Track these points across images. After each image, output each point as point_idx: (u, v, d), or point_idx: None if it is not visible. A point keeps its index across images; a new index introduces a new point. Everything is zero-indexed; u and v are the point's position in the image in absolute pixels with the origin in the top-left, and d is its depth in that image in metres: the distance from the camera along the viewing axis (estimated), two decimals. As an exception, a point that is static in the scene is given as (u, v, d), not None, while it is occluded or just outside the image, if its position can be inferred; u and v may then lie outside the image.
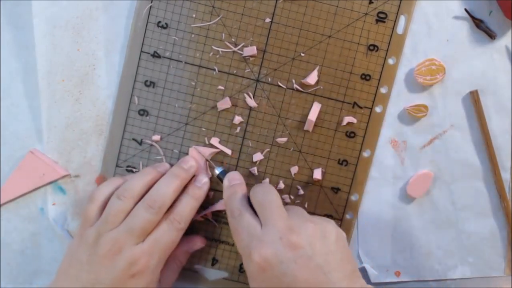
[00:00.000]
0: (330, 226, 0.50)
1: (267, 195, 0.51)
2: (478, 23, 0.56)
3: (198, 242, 0.57)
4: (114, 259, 0.49)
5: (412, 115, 0.57)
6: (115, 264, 0.49)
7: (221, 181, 0.55)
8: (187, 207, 0.53)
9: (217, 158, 0.58)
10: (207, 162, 0.57)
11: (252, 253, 0.47)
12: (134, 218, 0.50)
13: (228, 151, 0.57)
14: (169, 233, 0.52)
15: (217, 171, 0.56)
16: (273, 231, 0.47)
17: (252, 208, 0.51)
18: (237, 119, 0.57)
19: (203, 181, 0.55)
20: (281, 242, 0.47)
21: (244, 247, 0.49)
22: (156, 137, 0.57)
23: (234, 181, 0.54)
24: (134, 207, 0.51)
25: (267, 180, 0.58)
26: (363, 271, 0.60)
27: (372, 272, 0.60)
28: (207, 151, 0.57)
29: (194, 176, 0.56)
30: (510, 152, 0.58)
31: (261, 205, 0.50)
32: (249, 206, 0.51)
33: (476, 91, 0.57)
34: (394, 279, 0.60)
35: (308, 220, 0.50)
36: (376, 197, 0.59)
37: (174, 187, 0.53)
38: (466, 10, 0.56)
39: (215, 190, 0.58)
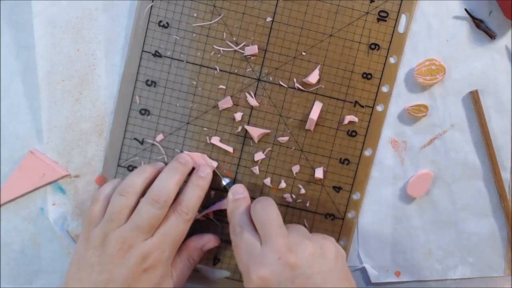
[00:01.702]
0: (329, 244, 0.50)
1: (267, 211, 0.50)
2: (478, 23, 0.56)
3: (212, 241, 0.57)
4: (125, 256, 0.49)
5: (412, 115, 0.57)
6: (127, 261, 0.49)
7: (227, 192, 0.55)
8: (193, 197, 0.53)
9: (218, 157, 0.58)
10: (213, 170, 0.58)
11: (251, 273, 0.47)
12: (141, 214, 0.50)
13: (230, 149, 0.57)
14: (177, 225, 0.52)
15: (224, 182, 0.57)
16: (271, 251, 0.47)
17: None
18: (238, 114, 0.57)
19: (206, 171, 0.55)
20: (279, 262, 0.47)
21: (243, 265, 0.49)
22: (160, 137, 0.57)
23: (237, 195, 0.54)
24: (136, 203, 0.51)
25: (268, 182, 0.58)
26: (363, 271, 0.60)
27: (372, 272, 0.60)
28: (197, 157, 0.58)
29: (193, 169, 0.56)
30: (510, 152, 0.59)
31: (261, 222, 0.50)
32: (250, 222, 0.51)
33: (476, 91, 0.57)
34: (394, 279, 0.60)
35: (307, 238, 0.50)
36: (376, 196, 0.59)
37: (176, 180, 0.53)
38: (466, 10, 0.56)
39: (216, 189, 0.58)
